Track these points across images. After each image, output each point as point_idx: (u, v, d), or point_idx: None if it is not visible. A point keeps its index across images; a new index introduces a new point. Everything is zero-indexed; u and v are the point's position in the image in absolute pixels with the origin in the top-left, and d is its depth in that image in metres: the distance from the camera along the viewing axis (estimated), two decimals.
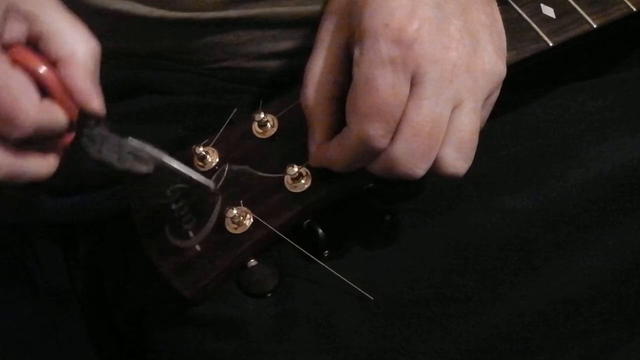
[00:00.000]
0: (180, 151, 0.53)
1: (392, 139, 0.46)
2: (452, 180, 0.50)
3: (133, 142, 0.48)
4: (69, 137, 0.49)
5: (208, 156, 0.52)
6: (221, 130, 0.52)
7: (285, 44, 0.62)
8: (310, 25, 0.62)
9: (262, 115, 0.52)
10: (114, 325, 0.62)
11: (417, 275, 0.52)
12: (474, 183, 0.54)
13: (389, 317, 0.51)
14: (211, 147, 0.52)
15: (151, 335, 0.58)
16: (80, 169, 0.54)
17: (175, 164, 0.48)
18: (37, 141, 0.48)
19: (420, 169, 0.46)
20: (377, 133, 0.45)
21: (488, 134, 0.56)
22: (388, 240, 0.53)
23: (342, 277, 0.50)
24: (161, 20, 0.61)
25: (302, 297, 0.51)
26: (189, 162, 0.52)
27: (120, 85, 0.64)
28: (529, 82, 0.59)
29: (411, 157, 0.45)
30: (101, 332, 0.63)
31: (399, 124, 0.45)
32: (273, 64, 0.63)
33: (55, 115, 0.48)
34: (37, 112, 0.47)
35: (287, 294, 0.51)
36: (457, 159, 0.47)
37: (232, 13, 0.60)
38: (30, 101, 0.47)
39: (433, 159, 0.46)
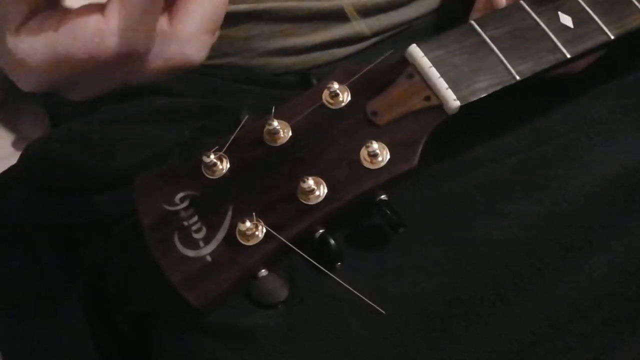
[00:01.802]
0: (188, 156, 0.52)
1: None
2: (457, 188, 0.50)
3: None
4: None
5: (218, 163, 0.51)
6: (232, 137, 0.51)
7: (293, 40, 0.61)
8: (319, 20, 0.61)
9: (275, 124, 0.51)
10: (117, 328, 0.61)
11: (424, 283, 0.52)
12: (479, 190, 0.54)
13: (398, 327, 0.50)
14: (222, 153, 0.51)
15: (157, 342, 0.57)
16: None
17: None
18: None
19: None
20: None
21: (491, 141, 0.56)
22: (395, 249, 0.53)
23: (353, 291, 0.49)
24: None
25: (312, 307, 0.51)
26: (197, 170, 0.51)
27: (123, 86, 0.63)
28: (530, 87, 0.59)
29: None
30: (103, 333, 0.62)
31: None
32: (278, 61, 0.62)
33: None
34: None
35: (297, 303, 0.51)
36: None
37: (242, 7, 0.59)
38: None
39: None
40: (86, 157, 0.60)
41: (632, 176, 0.54)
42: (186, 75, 0.62)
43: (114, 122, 0.61)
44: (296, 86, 0.64)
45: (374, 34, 0.65)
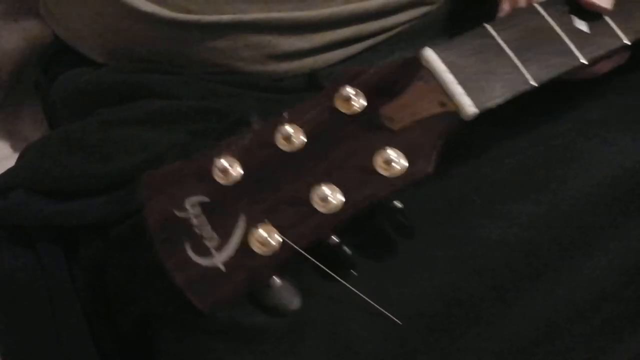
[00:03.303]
0: (198, 159, 0.51)
1: None
2: (455, 189, 0.50)
3: None
4: None
5: (230, 168, 0.50)
6: (244, 142, 0.50)
7: (283, 48, 0.62)
8: (306, 30, 0.61)
9: (287, 128, 0.50)
10: (117, 328, 0.61)
11: (423, 284, 0.52)
12: (478, 192, 0.55)
13: (398, 328, 0.50)
14: (233, 158, 0.50)
15: (158, 342, 0.57)
16: None
17: None
18: None
19: None
20: None
21: (489, 141, 0.57)
22: (396, 252, 0.53)
23: (367, 299, 0.49)
24: (155, 20, 0.60)
25: (312, 308, 0.51)
26: (208, 174, 0.50)
27: (119, 88, 0.63)
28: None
29: None
30: (103, 333, 0.62)
31: None
32: (272, 67, 0.62)
33: None
34: None
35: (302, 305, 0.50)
36: None
37: (226, 18, 0.60)
38: None
39: None
40: (84, 159, 0.60)
41: (630, 177, 0.54)
42: (184, 78, 0.62)
43: (112, 124, 0.61)
44: (294, 90, 0.64)
45: (368, 37, 0.65)
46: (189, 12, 0.60)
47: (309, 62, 0.64)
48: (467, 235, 0.53)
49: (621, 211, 0.54)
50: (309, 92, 0.64)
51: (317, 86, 0.52)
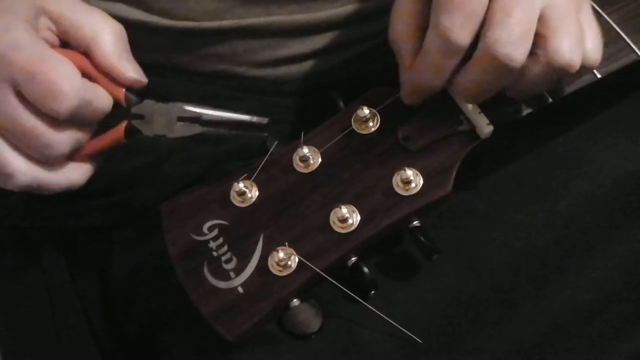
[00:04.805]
0: (216, 185, 0.51)
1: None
2: (457, 195, 0.50)
3: (180, 105, 0.51)
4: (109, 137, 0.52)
5: (248, 192, 0.50)
6: (261, 165, 0.50)
7: (282, 52, 0.61)
8: (306, 33, 0.60)
9: (305, 150, 0.50)
10: (118, 328, 0.62)
11: (428, 290, 0.52)
12: (482, 199, 0.55)
13: (405, 329, 0.50)
14: (251, 181, 0.50)
15: (163, 342, 0.57)
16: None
17: (222, 112, 0.50)
18: (82, 123, 0.50)
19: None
20: (454, 24, 0.46)
21: (490, 147, 0.56)
22: (417, 271, 0.53)
23: (389, 320, 0.49)
24: (155, 29, 0.59)
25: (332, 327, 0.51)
26: (226, 198, 0.50)
27: None
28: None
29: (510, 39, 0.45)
30: (104, 333, 0.62)
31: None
32: (272, 71, 0.62)
33: (97, 92, 0.51)
34: (80, 85, 0.49)
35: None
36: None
37: (225, 23, 0.59)
38: (72, 74, 0.49)
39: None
40: None
41: (631, 179, 0.55)
42: (185, 82, 0.62)
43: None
44: (295, 93, 0.63)
45: (368, 38, 0.64)
46: (187, 20, 0.60)
47: (309, 65, 0.63)
48: (471, 239, 0.53)
49: (622, 213, 0.54)
50: (310, 95, 0.64)
51: (336, 108, 0.52)
